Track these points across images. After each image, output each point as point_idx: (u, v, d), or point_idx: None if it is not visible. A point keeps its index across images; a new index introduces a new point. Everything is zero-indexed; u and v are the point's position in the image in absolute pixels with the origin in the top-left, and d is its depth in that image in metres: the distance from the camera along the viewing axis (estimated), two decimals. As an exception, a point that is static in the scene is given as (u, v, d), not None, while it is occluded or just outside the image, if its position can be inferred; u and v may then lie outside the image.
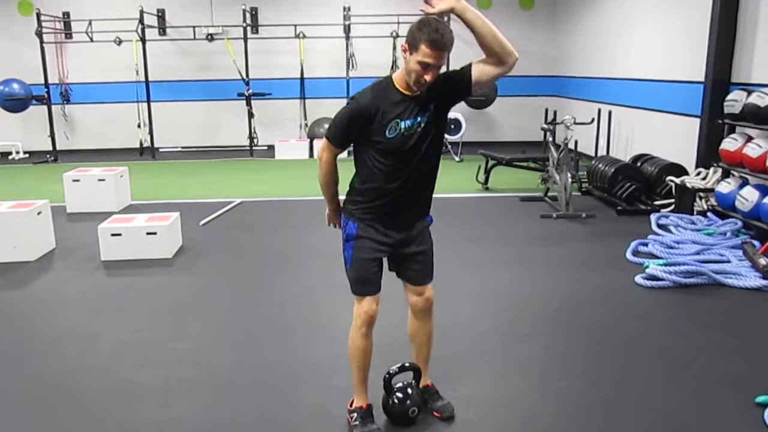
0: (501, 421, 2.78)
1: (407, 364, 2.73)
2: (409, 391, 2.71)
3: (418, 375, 2.77)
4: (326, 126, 10.66)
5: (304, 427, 2.73)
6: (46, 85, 10.17)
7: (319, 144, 2.54)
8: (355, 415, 2.66)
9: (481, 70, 2.40)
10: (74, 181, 6.66)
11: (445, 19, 2.38)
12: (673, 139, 7.26)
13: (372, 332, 2.60)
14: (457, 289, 4.23)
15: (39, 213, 5.23)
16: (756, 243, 4.91)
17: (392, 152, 2.43)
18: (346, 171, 2.55)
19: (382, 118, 2.38)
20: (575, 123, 6.77)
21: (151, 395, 3.02)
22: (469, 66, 2.42)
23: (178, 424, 2.77)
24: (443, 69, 2.39)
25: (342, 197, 2.66)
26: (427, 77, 2.31)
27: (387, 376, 2.68)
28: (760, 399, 2.84)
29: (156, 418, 2.82)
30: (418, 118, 2.42)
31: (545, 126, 7.64)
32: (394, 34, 10.88)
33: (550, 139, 7.22)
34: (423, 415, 2.74)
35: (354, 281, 2.59)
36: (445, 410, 2.76)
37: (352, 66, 10.95)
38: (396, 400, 2.69)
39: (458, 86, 2.43)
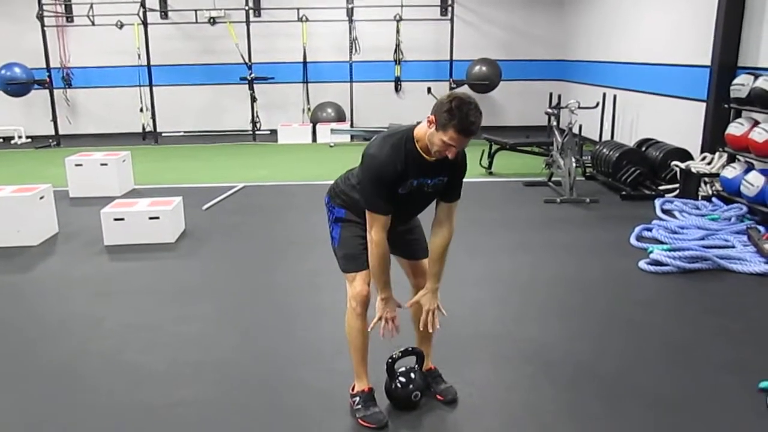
0: (504, 404, 2.78)
1: (410, 349, 2.73)
2: (412, 375, 2.71)
3: (421, 359, 2.77)
4: (329, 111, 10.76)
5: (307, 410, 2.73)
6: (48, 69, 10.12)
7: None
8: (357, 399, 2.66)
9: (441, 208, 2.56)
10: (77, 165, 6.65)
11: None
12: (679, 123, 7.21)
13: (366, 313, 2.59)
14: (460, 274, 4.21)
15: (42, 197, 5.22)
16: (761, 228, 4.89)
17: (398, 201, 2.43)
18: (351, 152, 2.52)
19: (401, 177, 2.37)
20: (580, 107, 6.72)
21: (156, 378, 3.03)
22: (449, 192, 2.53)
23: (184, 407, 2.77)
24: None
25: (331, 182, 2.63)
26: (450, 155, 2.30)
27: (390, 360, 2.68)
28: (764, 384, 2.83)
29: (162, 400, 2.83)
30: (429, 181, 2.44)
31: (549, 110, 7.59)
32: (398, 17, 10.80)
33: (555, 123, 7.17)
34: (426, 399, 2.74)
35: (343, 258, 2.60)
36: (448, 393, 2.76)
37: (356, 50, 10.88)
38: (399, 385, 2.69)
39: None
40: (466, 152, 2.50)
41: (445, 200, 2.54)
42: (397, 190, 2.39)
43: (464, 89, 10.65)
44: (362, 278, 2.55)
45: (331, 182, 2.70)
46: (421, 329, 2.66)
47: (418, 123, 2.42)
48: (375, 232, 2.41)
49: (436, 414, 2.70)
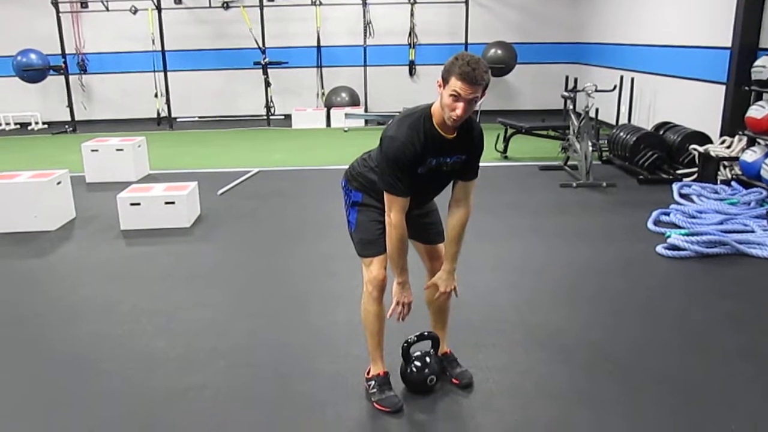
0: (518, 389, 2.77)
1: (426, 333, 2.73)
2: (428, 359, 2.70)
3: (437, 344, 2.76)
4: (343, 96, 10.72)
5: (321, 396, 2.73)
6: (63, 55, 10.18)
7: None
8: (373, 383, 2.66)
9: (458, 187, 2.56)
10: (93, 151, 6.68)
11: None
12: (697, 106, 7.10)
13: (383, 297, 2.58)
14: (474, 259, 4.19)
15: (59, 183, 5.26)
16: (781, 212, 4.82)
17: (416, 181, 2.40)
18: (367, 139, 2.50)
19: (420, 156, 2.35)
20: (597, 90, 6.63)
21: (170, 364, 3.05)
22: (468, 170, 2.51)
23: (198, 392, 2.79)
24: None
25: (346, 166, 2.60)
26: (458, 111, 2.25)
27: (405, 344, 2.68)
28: (784, 370, 2.80)
29: (175, 386, 2.85)
30: (448, 159, 2.42)
31: (566, 94, 7.51)
32: (412, 0, 10.69)
33: (571, 107, 7.09)
34: (441, 383, 2.75)
35: (360, 243, 2.59)
36: (464, 377, 2.76)
37: (370, 33, 10.82)
38: (414, 369, 2.68)
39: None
40: (482, 126, 2.48)
41: (462, 179, 2.53)
42: (417, 170, 2.37)
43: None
44: (379, 263, 2.55)
45: (347, 167, 2.68)
46: (438, 308, 2.66)
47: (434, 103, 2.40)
48: (394, 214, 2.39)
49: (450, 398, 2.69)
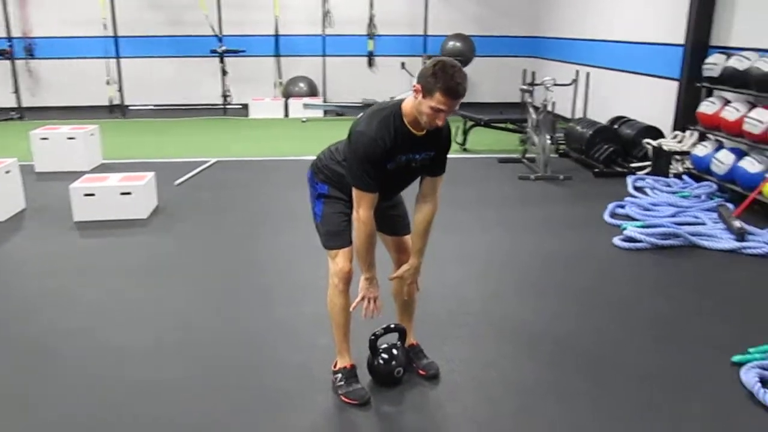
0: (485, 380, 2.80)
1: (392, 326, 2.73)
2: (395, 351, 2.71)
3: (403, 335, 2.77)
4: (301, 86, 10.60)
5: (288, 388, 2.71)
6: (9, 38, 9.77)
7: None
8: (340, 375, 2.65)
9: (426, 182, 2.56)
10: (42, 139, 6.45)
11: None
12: (651, 101, 7.29)
13: (349, 289, 2.57)
14: (439, 252, 4.19)
15: (8, 172, 5.06)
16: (730, 206, 4.99)
17: (385, 177, 2.39)
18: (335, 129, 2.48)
19: (390, 153, 2.34)
20: (555, 84, 6.73)
21: (135, 356, 2.98)
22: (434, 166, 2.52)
23: (165, 385, 2.74)
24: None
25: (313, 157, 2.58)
26: (439, 122, 2.27)
27: (372, 337, 2.68)
28: (736, 358, 2.91)
29: (143, 377, 2.80)
30: (417, 156, 2.42)
31: (525, 87, 7.59)
32: (371, -10, 10.65)
33: (529, 100, 7.19)
34: (408, 375, 2.76)
35: (325, 235, 2.58)
36: (431, 368, 2.78)
37: (329, 23, 10.72)
38: (381, 361, 2.69)
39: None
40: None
41: (430, 174, 2.53)
42: (386, 166, 2.36)
43: (438, 65, 10.57)
44: (345, 255, 2.53)
45: (306, 158, 2.66)
46: (406, 298, 2.67)
47: (402, 99, 2.40)
48: (363, 210, 2.38)
49: (418, 390, 2.71)
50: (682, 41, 6.43)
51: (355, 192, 2.38)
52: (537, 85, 7.08)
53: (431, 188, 2.55)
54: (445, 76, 2.19)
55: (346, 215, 2.53)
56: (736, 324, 3.35)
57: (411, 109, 2.33)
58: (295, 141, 8.36)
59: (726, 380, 2.80)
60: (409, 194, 2.67)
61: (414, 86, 2.28)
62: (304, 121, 9.80)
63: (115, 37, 9.93)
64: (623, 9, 8.07)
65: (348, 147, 2.40)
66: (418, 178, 2.58)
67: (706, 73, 5.84)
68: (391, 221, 2.68)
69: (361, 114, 2.44)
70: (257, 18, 10.73)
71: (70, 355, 3.01)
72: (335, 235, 2.55)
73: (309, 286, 3.64)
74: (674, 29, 6.62)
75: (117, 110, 10.32)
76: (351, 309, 2.57)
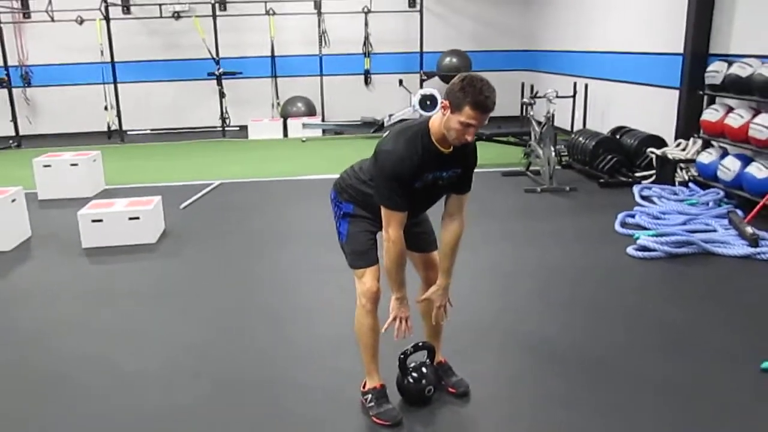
0: (513, 395, 2.77)
1: (421, 344, 2.70)
2: (424, 370, 2.67)
3: (432, 353, 2.74)
4: (299, 105, 10.61)
5: (316, 413, 2.66)
6: (6, 67, 9.75)
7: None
8: (370, 396, 2.61)
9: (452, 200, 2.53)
10: (45, 166, 6.41)
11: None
12: (651, 111, 7.31)
13: (377, 309, 2.53)
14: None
15: (13, 200, 5.02)
16: (739, 212, 4.98)
17: (412, 195, 2.37)
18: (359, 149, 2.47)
19: (417, 171, 2.32)
20: (557, 96, 6.76)
21: (152, 382, 2.94)
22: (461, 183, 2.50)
23: (185, 411, 2.69)
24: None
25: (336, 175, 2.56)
26: (468, 137, 2.26)
27: (402, 356, 2.64)
28: (766, 365, 2.88)
29: (161, 404, 2.75)
30: (444, 174, 2.41)
31: (527, 100, 7.62)
32: (366, 9, 10.72)
33: (531, 113, 7.21)
34: (438, 394, 2.71)
35: (351, 254, 2.54)
36: (460, 386, 2.74)
37: (325, 43, 10.78)
38: (411, 380, 2.65)
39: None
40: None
41: (457, 192, 2.51)
42: (413, 185, 2.34)
43: (435, 81, 10.64)
44: (372, 274, 2.50)
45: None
46: (434, 324, 2.63)
47: (429, 117, 2.39)
48: (392, 230, 2.35)
49: (448, 408, 2.67)
50: (680, 50, 6.47)
51: (384, 212, 2.35)
52: (540, 97, 7.10)
53: (457, 206, 2.53)
54: (473, 90, 2.18)
55: (372, 233, 2.51)
56: (756, 331, 3.32)
57: (438, 126, 2.31)
58: (296, 160, 8.34)
59: (748, 388, 2.76)
60: (434, 213, 2.64)
61: (442, 102, 2.27)
62: (303, 141, 9.80)
63: (112, 63, 9.92)
64: (620, 20, 8.13)
65: (374, 166, 2.38)
66: (445, 198, 2.56)
67: (708, 81, 5.86)
68: (417, 238, 2.65)
69: (387, 132, 2.42)
70: (253, 40, 10.78)
71: (83, 381, 2.96)
72: (362, 255, 2.52)
73: (319, 308, 3.61)
74: (672, 39, 6.66)
75: (115, 135, 10.29)
76: (383, 330, 2.53)
